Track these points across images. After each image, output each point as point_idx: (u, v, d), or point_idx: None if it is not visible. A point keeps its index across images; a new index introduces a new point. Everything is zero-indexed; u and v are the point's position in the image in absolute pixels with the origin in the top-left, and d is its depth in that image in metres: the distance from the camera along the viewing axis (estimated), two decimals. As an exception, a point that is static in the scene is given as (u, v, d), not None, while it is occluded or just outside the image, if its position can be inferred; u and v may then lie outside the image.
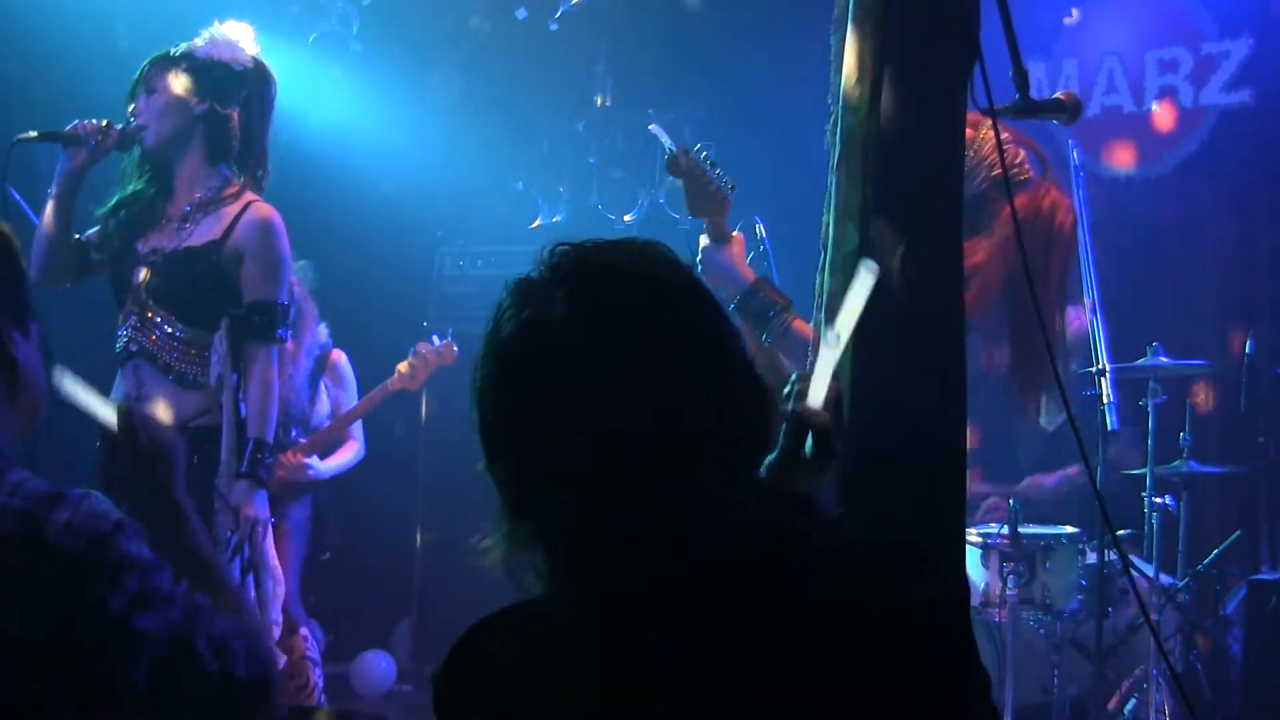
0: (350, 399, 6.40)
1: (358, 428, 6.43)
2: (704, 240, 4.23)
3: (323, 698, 5.31)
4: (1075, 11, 7.36)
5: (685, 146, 4.15)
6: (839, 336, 2.05)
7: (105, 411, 2.31)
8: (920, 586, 1.53)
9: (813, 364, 2.05)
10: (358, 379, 6.46)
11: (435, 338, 6.44)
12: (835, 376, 2.04)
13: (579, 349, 1.49)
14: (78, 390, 2.36)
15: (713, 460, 1.50)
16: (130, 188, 4.26)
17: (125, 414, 2.27)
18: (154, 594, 1.96)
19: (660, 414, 1.48)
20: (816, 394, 1.99)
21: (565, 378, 1.49)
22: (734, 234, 4.21)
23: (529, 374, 1.51)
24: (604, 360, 1.48)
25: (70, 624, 1.91)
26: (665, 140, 4.20)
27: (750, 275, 4.19)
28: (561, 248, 1.56)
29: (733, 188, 4.18)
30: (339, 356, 6.44)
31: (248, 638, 2.04)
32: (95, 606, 1.91)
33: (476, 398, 1.56)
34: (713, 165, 4.14)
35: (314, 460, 6.12)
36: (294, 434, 5.96)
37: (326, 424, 6.25)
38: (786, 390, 2.12)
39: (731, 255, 4.17)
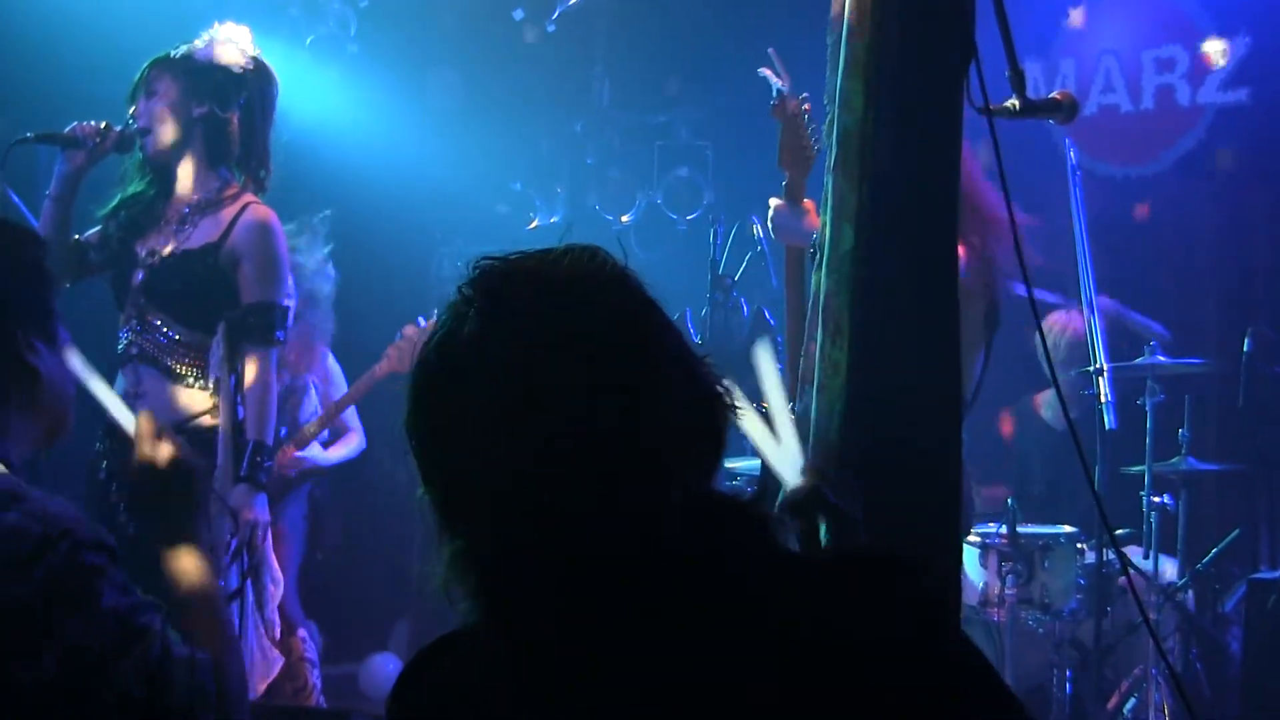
0: (339, 396, 6.40)
1: (352, 417, 6.42)
2: (775, 203, 4.13)
3: (321, 699, 5.31)
4: (1074, 13, 7.36)
5: (794, 92, 4.07)
6: (771, 414, 2.03)
7: (123, 414, 2.30)
8: (896, 594, 1.49)
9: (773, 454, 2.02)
10: (357, 379, 6.46)
11: (420, 319, 6.43)
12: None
13: (486, 365, 1.47)
14: (96, 384, 2.36)
15: (635, 463, 1.46)
16: (130, 190, 4.26)
17: (146, 425, 2.23)
18: (90, 608, 1.91)
19: (570, 422, 1.44)
20: (788, 475, 1.96)
21: (475, 394, 1.47)
22: (807, 200, 4.12)
23: (441, 393, 1.50)
24: (511, 375, 1.46)
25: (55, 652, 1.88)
26: (775, 81, 4.12)
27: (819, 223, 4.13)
28: (484, 261, 1.55)
29: (820, 149, 4.12)
30: (329, 359, 6.46)
31: (197, 671, 1.97)
32: (19, 609, 1.88)
33: (404, 423, 1.55)
34: (811, 120, 4.07)
35: (314, 449, 6.12)
36: (282, 433, 5.95)
37: (312, 418, 6.24)
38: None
39: (805, 217, 4.09)
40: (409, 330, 6.37)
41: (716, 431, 1.55)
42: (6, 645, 1.88)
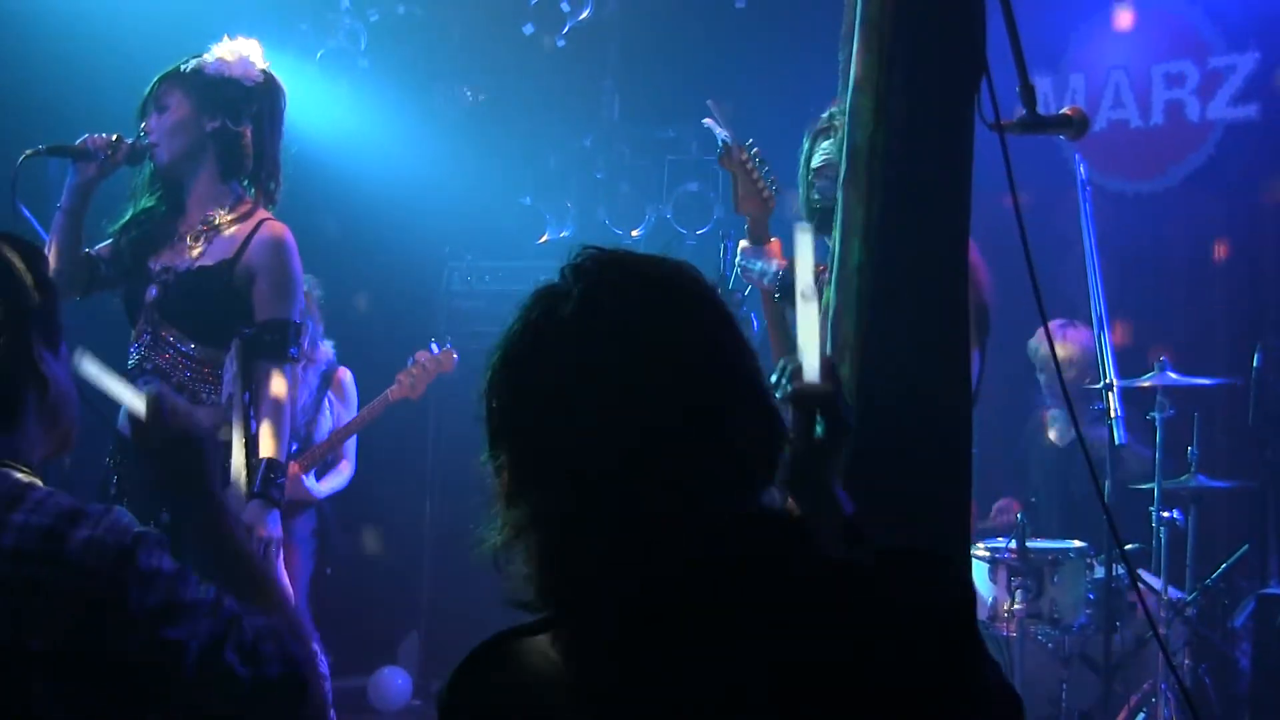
0: (350, 414, 6.40)
1: (351, 448, 6.43)
2: (743, 244, 4.24)
3: (332, 712, 5.30)
4: (1123, 14, 7.33)
5: (738, 141, 4.15)
6: (810, 292, 2.03)
7: (131, 398, 2.32)
8: (924, 592, 1.55)
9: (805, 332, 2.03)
10: (367, 394, 6.47)
11: (434, 345, 6.45)
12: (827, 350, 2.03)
13: (584, 343, 1.52)
14: (102, 376, 2.38)
15: (706, 470, 1.52)
16: (142, 205, 4.25)
17: (155, 401, 2.26)
18: (180, 606, 1.96)
19: (655, 416, 1.50)
20: (810, 365, 1.98)
21: (567, 369, 1.52)
22: (772, 238, 4.22)
23: (533, 363, 1.55)
24: (606, 357, 1.51)
25: (94, 639, 1.92)
26: (719, 132, 4.19)
27: (784, 262, 4.21)
28: (589, 250, 1.60)
29: (777, 189, 4.19)
30: (344, 374, 6.45)
31: (278, 638, 2.03)
32: (119, 620, 1.92)
33: (484, 385, 1.59)
34: (762, 163, 4.15)
35: (310, 479, 6.13)
36: (292, 449, 5.96)
37: (324, 439, 6.25)
38: (776, 376, 2.13)
39: (769, 255, 4.18)
40: (422, 356, 6.39)
41: (775, 452, 1.61)
42: (122, 659, 1.93)
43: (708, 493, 1.52)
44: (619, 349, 1.52)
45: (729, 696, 1.48)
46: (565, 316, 1.54)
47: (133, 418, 2.28)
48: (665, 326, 1.54)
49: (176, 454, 2.24)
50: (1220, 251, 7.14)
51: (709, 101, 4.25)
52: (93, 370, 2.37)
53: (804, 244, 2.12)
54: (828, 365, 2.00)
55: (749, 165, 4.14)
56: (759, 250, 4.21)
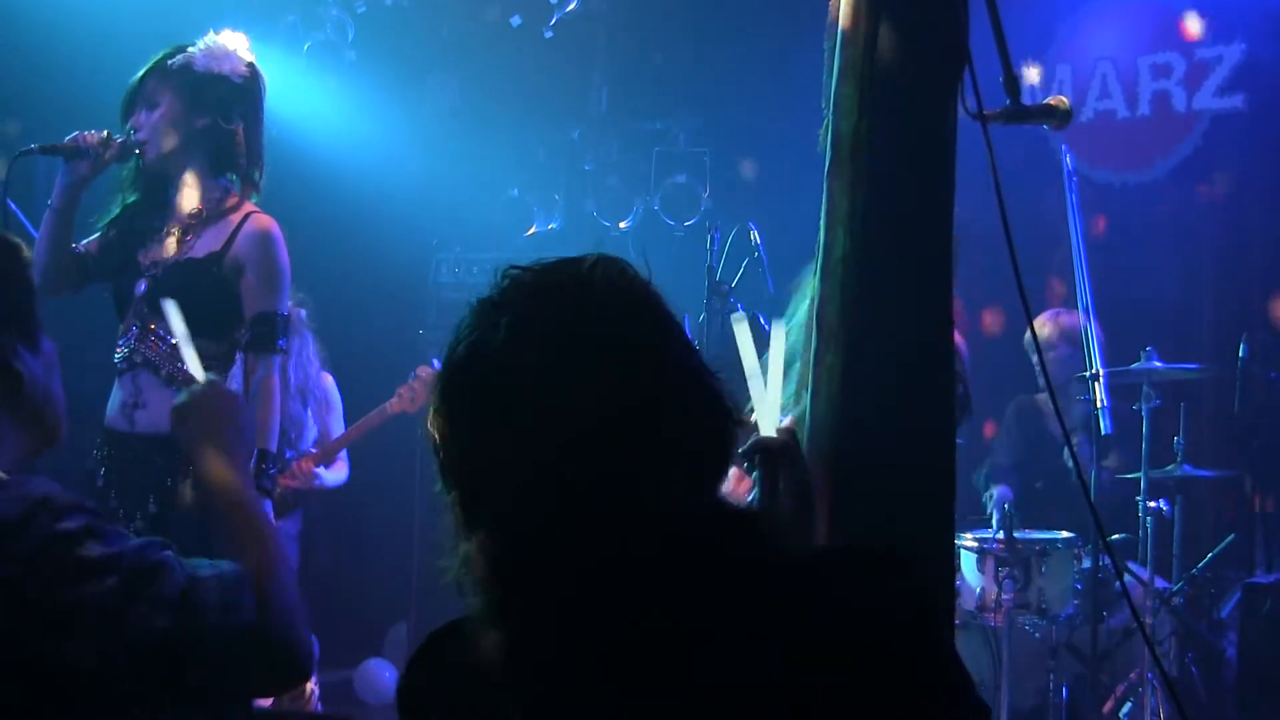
0: (337, 422, 6.48)
1: (343, 452, 6.51)
2: None
3: (319, 704, 5.31)
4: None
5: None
6: (756, 372, 2.07)
7: (194, 359, 2.39)
8: (890, 588, 1.54)
9: (758, 400, 2.05)
10: (357, 386, 6.49)
11: (435, 362, 6.47)
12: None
13: (516, 376, 1.53)
14: (178, 325, 2.49)
15: (653, 469, 1.51)
16: (131, 199, 4.25)
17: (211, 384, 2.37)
18: (87, 562, 1.93)
19: (592, 431, 1.50)
20: (767, 425, 1.99)
21: (504, 397, 1.53)
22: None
23: (470, 398, 1.56)
24: (540, 386, 1.51)
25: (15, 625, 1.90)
26: None
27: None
28: (512, 271, 1.60)
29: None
30: (326, 381, 6.50)
31: (222, 586, 2.00)
32: (25, 597, 1.90)
33: (427, 421, 1.60)
34: None
35: (321, 469, 6.21)
36: (288, 456, 5.99)
37: (312, 449, 6.30)
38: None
39: None
40: (423, 371, 6.45)
41: (724, 443, 1.60)
42: (15, 626, 1.90)
43: (656, 489, 1.51)
44: (551, 371, 1.52)
45: (680, 696, 1.48)
46: (494, 349, 1.54)
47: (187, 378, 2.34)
48: (595, 341, 1.54)
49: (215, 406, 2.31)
50: (1206, 242, 7.15)
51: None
52: (174, 317, 2.50)
53: (742, 331, 2.16)
54: (786, 426, 2.02)
55: None
56: None
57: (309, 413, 6.34)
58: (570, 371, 1.51)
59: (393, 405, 6.40)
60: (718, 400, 1.59)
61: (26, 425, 2.14)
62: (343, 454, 6.51)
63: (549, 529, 1.51)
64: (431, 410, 1.60)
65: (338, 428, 6.47)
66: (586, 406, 1.50)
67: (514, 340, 1.53)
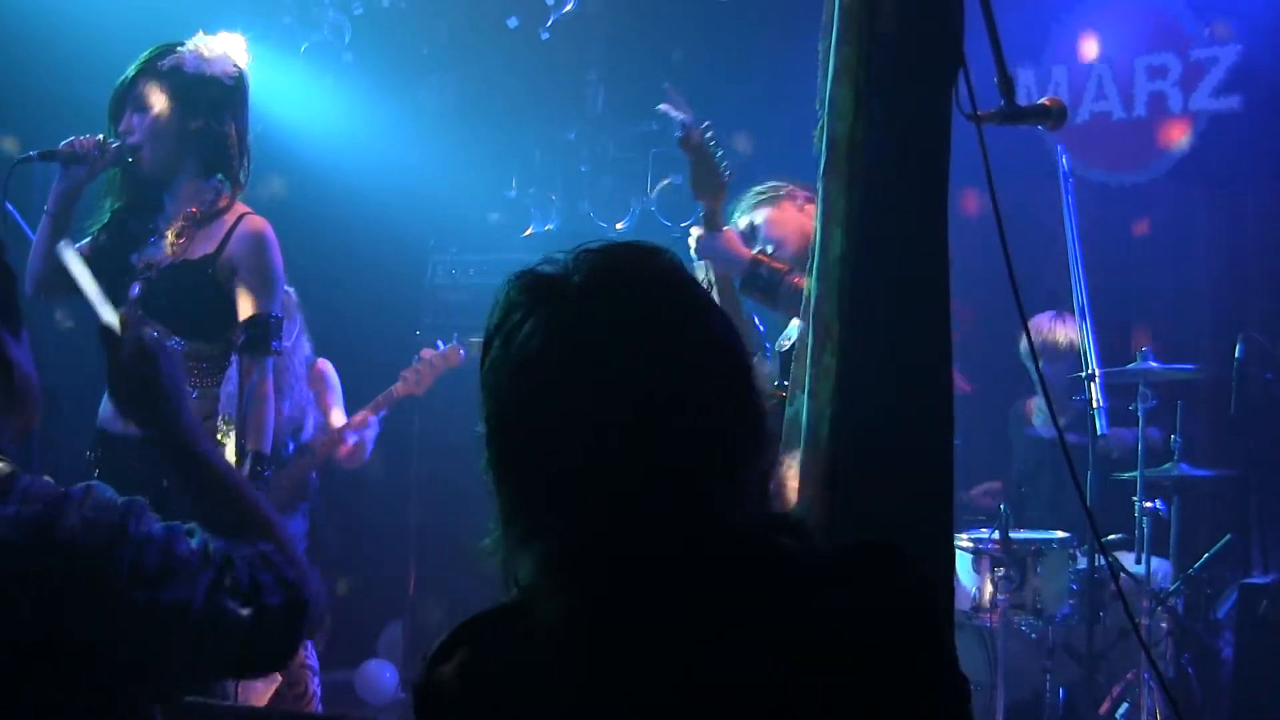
0: (338, 402, 6.41)
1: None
2: (696, 231, 4.30)
3: (319, 705, 5.31)
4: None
5: (696, 123, 4.19)
6: None
7: (104, 305, 2.36)
8: (898, 587, 1.55)
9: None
10: (354, 387, 6.47)
11: (440, 342, 6.45)
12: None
13: (571, 364, 1.51)
14: (81, 272, 2.42)
15: (710, 467, 1.52)
16: (123, 202, 4.25)
17: (126, 314, 2.35)
18: (176, 566, 1.98)
19: (648, 424, 1.50)
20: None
21: (556, 390, 1.51)
22: (725, 227, 4.28)
23: (541, 375, 1.53)
24: (595, 373, 1.50)
25: (98, 620, 1.93)
26: (677, 115, 4.22)
27: (747, 253, 4.25)
28: (584, 253, 1.60)
29: (730, 174, 4.24)
30: (325, 365, 6.45)
31: (271, 565, 2.07)
32: (119, 595, 1.93)
33: (487, 396, 1.58)
34: (717, 147, 4.20)
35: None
36: (290, 447, 5.96)
37: (314, 434, 6.26)
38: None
39: (727, 240, 4.25)
40: (427, 353, 6.39)
41: (759, 439, 1.60)
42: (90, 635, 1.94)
43: (707, 488, 1.52)
44: (627, 354, 1.51)
45: (695, 689, 1.48)
46: (569, 327, 1.53)
47: (104, 329, 2.31)
48: (675, 322, 1.55)
49: (140, 367, 2.28)
50: (1202, 244, 7.16)
51: (666, 85, 4.29)
52: (74, 263, 2.45)
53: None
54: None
55: (705, 148, 4.18)
56: (715, 237, 4.26)
57: (307, 404, 6.29)
58: (648, 359, 1.51)
59: (399, 389, 6.33)
60: (762, 407, 1.60)
61: (15, 410, 2.16)
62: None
63: (596, 519, 1.51)
64: (490, 387, 1.58)
65: (339, 408, 6.40)
66: (640, 407, 1.50)
67: (592, 322, 1.53)
